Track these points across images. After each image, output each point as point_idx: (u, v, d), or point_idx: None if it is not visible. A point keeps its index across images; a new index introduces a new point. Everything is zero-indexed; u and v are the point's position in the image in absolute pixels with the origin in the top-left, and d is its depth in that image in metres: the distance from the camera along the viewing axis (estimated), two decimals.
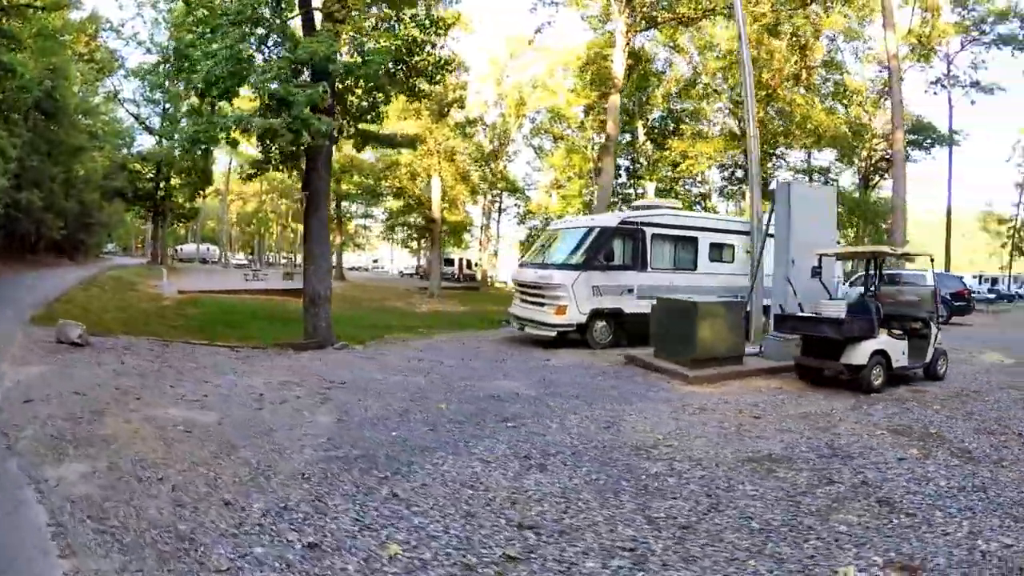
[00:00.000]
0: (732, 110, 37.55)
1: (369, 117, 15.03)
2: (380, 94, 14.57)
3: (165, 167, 44.30)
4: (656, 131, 43.57)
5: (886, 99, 36.46)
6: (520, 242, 51.71)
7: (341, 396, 8.77)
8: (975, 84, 42.24)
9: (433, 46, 14.88)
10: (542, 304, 15.18)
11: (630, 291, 15.30)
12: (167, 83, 37.66)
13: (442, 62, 15.14)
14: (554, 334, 14.89)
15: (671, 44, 37.60)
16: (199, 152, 16.71)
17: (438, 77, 15.66)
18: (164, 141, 40.67)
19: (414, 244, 54.98)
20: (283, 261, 63.27)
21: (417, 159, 35.40)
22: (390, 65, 13.74)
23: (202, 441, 6.35)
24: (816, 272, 11.29)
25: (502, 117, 45.09)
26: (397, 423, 7.40)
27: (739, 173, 40.76)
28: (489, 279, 55.48)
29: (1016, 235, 54.13)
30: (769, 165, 37.35)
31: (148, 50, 38.72)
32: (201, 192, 45.35)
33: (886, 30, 29.71)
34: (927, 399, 9.58)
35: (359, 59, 13.14)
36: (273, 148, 13.79)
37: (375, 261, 76.83)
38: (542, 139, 50.01)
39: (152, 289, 27.25)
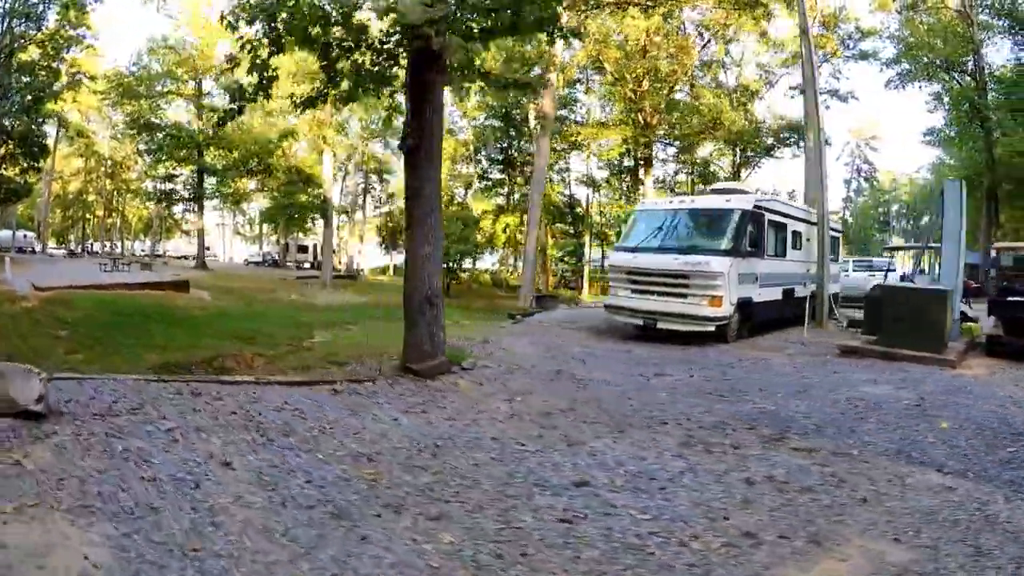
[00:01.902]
0: (633, 99, 36.68)
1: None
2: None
3: None
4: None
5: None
6: (378, 227, 47.07)
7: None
8: (833, 92, 44.57)
9: None
10: (685, 295, 13.36)
11: (755, 279, 14.19)
12: None
13: None
14: (712, 328, 13.14)
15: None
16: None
17: None
18: None
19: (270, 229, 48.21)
20: (107, 250, 54.16)
21: (314, 128, 30.40)
22: None
23: None
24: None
25: None
26: None
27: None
28: (358, 268, 50.56)
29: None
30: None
31: None
32: (36, 164, 36.73)
33: (803, 37, 30.19)
34: None
35: None
36: (346, 65, 9.17)
37: (207, 249, 67.65)
38: None
39: None
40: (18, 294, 18.33)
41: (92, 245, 55.82)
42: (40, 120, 33.93)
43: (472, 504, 4.57)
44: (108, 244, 57.52)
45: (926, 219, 59.89)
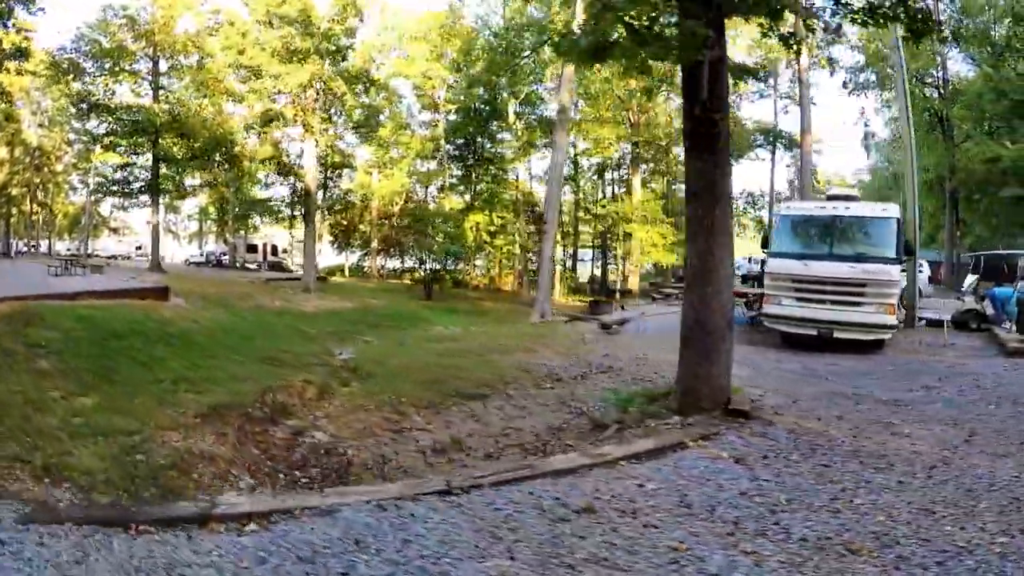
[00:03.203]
0: (622, 98, 35.64)
1: None
2: None
3: None
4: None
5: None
6: (331, 227, 43.76)
7: None
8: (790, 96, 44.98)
9: None
10: (860, 303, 13.22)
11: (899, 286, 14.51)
12: None
13: None
14: (888, 336, 13.39)
15: None
16: None
17: None
18: None
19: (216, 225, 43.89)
20: (32, 249, 48.12)
21: (300, 113, 27.38)
22: None
23: None
24: None
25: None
26: None
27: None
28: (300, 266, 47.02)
29: None
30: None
31: None
32: None
33: (799, 47, 30.05)
34: None
35: None
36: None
37: (138, 247, 61.87)
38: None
39: None
40: None
41: (18, 244, 49.53)
42: None
43: None
44: (31, 243, 51.25)
45: None
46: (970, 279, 20.95)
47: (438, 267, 34.17)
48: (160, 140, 31.45)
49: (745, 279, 24.41)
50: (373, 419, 9.80)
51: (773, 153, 42.71)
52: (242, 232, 46.00)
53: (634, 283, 36.64)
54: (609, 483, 5.31)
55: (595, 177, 42.81)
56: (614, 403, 8.99)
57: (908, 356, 13.10)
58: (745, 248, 58.70)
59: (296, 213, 37.93)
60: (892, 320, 13.17)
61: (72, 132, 46.78)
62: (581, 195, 43.76)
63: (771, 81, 43.17)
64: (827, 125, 70.24)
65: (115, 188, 34.72)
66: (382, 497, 5.01)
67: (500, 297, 38.70)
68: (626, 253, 36.97)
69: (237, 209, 45.09)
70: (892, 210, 14.41)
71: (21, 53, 28.84)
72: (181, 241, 63.63)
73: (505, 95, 36.39)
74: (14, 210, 47.02)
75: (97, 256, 49.85)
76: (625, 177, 41.14)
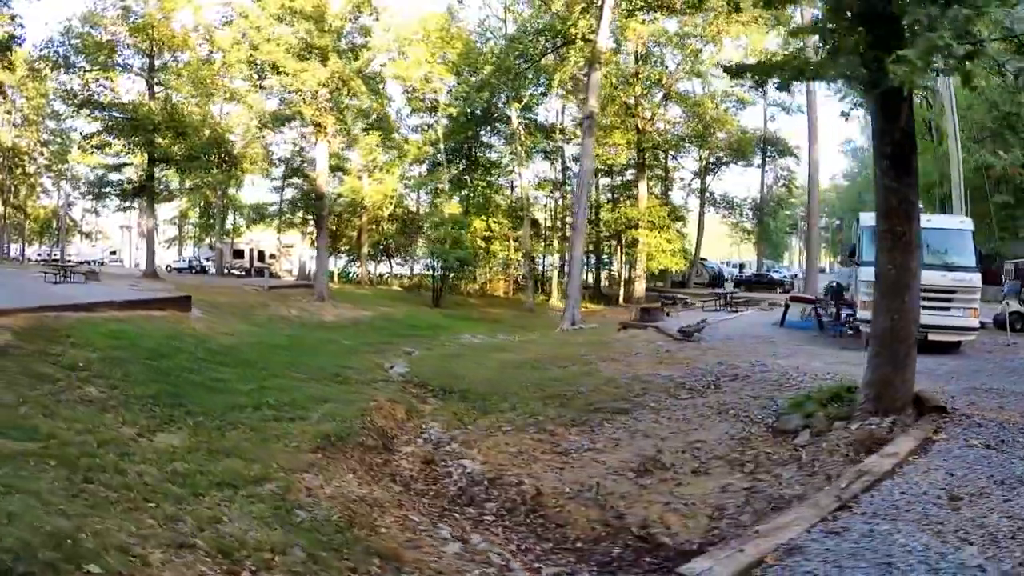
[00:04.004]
0: (631, 106, 35.48)
1: None
2: None
3: None
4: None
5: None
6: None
7: None
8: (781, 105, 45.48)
9: None
10: (949, 308, 14.21)
11: None
12: None
13: None
14: (973, 337, 14.65)
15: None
16: None
17: None
18: None
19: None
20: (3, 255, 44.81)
21: (316, 113, 26.10)
22: None
23: None
24: None
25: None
26: None
27: None
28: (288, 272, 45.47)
29: None
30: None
31: None
32: None
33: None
34: None
35: None
36: None
37: (113, 253, 58.90)
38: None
39: None
40: None
41: None
42: None
43: None
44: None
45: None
46: (1010, 284, 21.28)
47: (446, 273, 33.19)
48: (157, 139, 29.58)
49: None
50: (526, 442, 9.09)
51: (763, 161, 42.83)
52: (227, 237, 43.91)
53: (640, 289, 36.22)
54: (928, 476, 5.62)
55: (601, 183, 42.19)
56: (789, 409, 8.82)
57: (984, 354, 14.25)
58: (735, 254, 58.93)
59: (307, 217, 35.90)
60: (976, 323, 14.45)
61: (47, 132, 44.57)
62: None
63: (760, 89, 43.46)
64: (802, 130, 70.78)
65: (106, 190, 32.62)
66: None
67: (498, 303, 37.98)
68: (633, 259, 36.54)
69: (227, 212, 43.32)
70: (968, 223, 15.62)
71: (6, 45, 26.99)
72: (154, 246, 60.50)
73: (508, 99, 35.72)
74: None
75: (71, 262, 47.19)
76: (627, 182, 40.77)
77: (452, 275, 34.68)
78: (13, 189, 43.70)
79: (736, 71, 10.16)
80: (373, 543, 5.70)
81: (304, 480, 6.86)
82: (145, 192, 31.13)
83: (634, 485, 7.27)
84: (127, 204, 33.75)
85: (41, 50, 30.19)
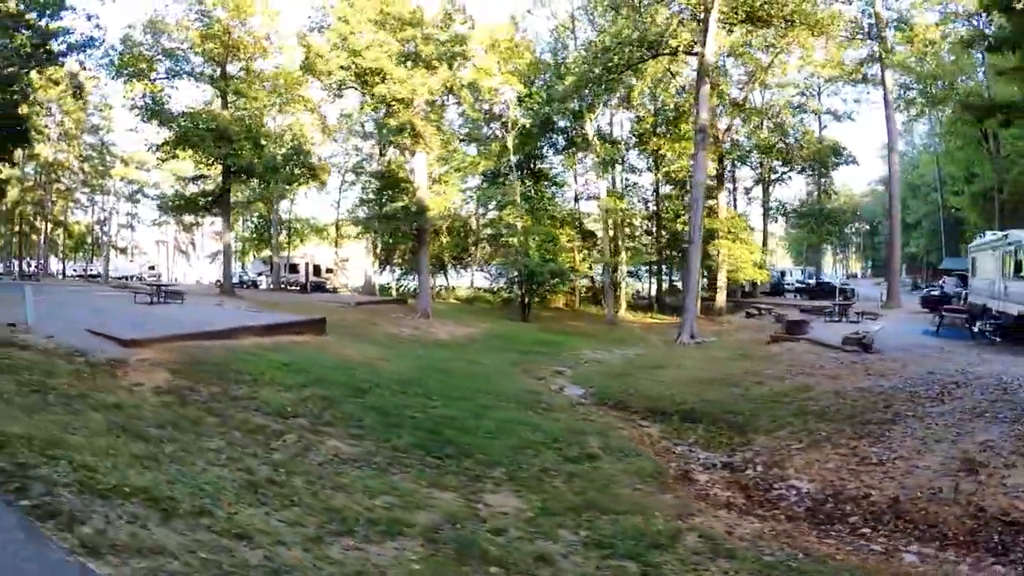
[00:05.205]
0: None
1: None
2: None
3: None
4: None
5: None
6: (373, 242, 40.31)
7: None
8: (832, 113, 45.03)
9: None
10: None
11: None
12: None
13: None
14: None
15: None
16: None
17: None
18: None
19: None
20: (35, 269, 42.31)
21: (421, 123, 24.71)
22: None
23: None
24: None
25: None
26: None
27: None
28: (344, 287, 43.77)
29: None
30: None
31: None
32: (9, 157, 26.95)
33: (883, 71, 33.60)
34: None
35: None
36: None
37: (151, 268, 56.05)
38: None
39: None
40: (101, 354, 10.40)
41: (31, 265, 43.69)
42: (19, 94, 25.56)
43: None
44: (39, 264, 45.28)
45: None
46: None
47: (532, 286, 31.90)
48: (235, 150, 27.89)
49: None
50: (831, 457, 9.00)
51: (827, 169, 42.24)
52: (283, 251, 42.08)
53: (721, 300, 35.27)
54: None
55: (672, 193, 41.15)
56: None
57: None
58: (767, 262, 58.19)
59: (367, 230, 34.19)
60: None
61: (86, 147, 42.48)
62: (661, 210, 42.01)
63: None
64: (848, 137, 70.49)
65: (180, 203, 30.75)
66: None
67: (573, 315, 36.73)
68: (715, 270, 35.56)
69: (282, 226, 41.59)
70: None
71: (85, 45, 25.34)
72: (191, 261, 58.42)
73: (583, 110, 34.65)
74: (26, 228, 41.68)
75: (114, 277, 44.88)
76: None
77: (540, 288, 33.30)
78: (51, 204, 41.45)
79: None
80: None
81: (703, 522, 6.70)
82: (220, 204, 29.41)
83: (968, 482, 7.37)
84: (198, 218, 31.79)
85: (101, 58, 28.24)
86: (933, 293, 30.34)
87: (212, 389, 9.71)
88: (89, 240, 48.77)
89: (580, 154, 39.08)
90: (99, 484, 4.70)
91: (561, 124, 38.61)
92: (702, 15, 25.81)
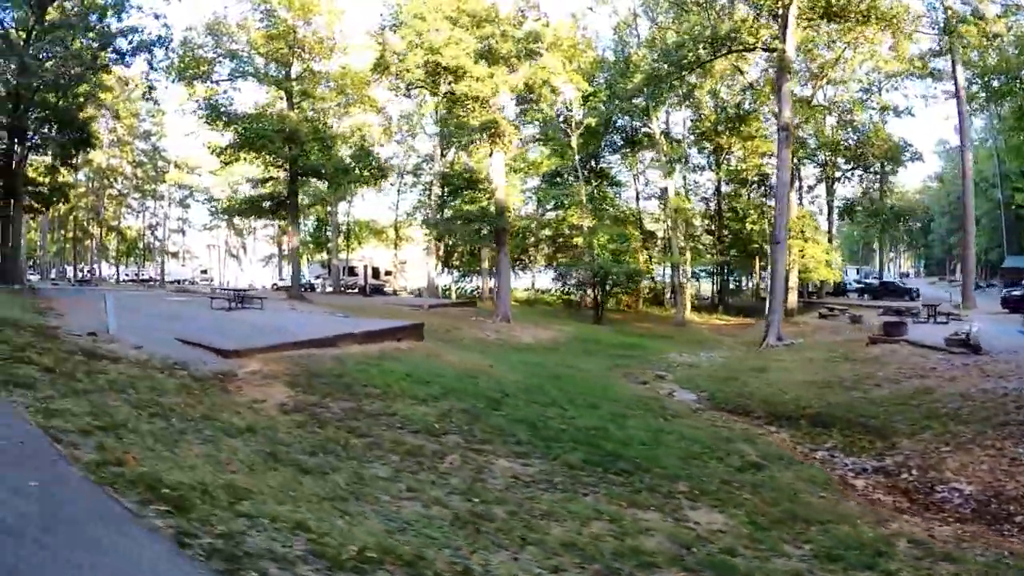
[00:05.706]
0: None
1: None
2: None
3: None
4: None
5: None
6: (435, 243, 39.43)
7: None
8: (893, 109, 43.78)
9: None
10: None
11: None
12: None
13: None
14: None
15: None
16: None
17: None
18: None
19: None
20: (87, 274, 42.13)
21: (504, 121, 24.03)
22: None
23: None
24: None
25: None
26: None
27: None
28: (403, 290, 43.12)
29: None
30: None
31: None
32: (72, 161, 26.50)
33: (955, 65, 33.02)
34: None
35: None
36: None
37: (204, 272, 55.97)
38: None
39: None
40: (204, 367, 9.51)
41: (84, 270, 43.54)
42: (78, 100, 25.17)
43: None
44: (91, 269, 45.04)
45: None
46: None
47: (605, 288, 31.09)
48: (304, 151, 27.28)
49: None
50: (982, 459, 8.79)
51: (891, 166, 41.10)
52: (342, 253, 41.47)
53: (792, 300, 34.23)
54: None
55: (732, 192, 40.20)
56: None
57: None
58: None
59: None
60: None
61: (139, 152, 42.26)
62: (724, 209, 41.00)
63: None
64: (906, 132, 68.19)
65: (244, 206, 30.24)
66: None
67: (641, 317, 35.90)
68: (787, 269, 34.55)
69: (341, 228, 41.07)
70: None
71: (153, 44, 24.94)
72: (242, 264, 58.14)
73: (649, 108, 33.79)
74: (79, 233, 41.47)
75: (235, 287, 44.30)
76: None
77: (612, 289, 32.47)
78: (104, 210, 41.23)
79: None
80: None
81: (901, 527, 6.59)
82: (286, 207, 28.82)
83: None
84: (252, 222, 31.20)
85: (160, 61, 27.70)
86: (1015, 293, 29.25)
87: (343, 405, 8.86)
88: (140, 245, 48.53)
89: (641, 153, 38.06)
90: (329, 549, 3.79)
91: (620, 123, 37.82)
92: (780, 10, 25.01)
